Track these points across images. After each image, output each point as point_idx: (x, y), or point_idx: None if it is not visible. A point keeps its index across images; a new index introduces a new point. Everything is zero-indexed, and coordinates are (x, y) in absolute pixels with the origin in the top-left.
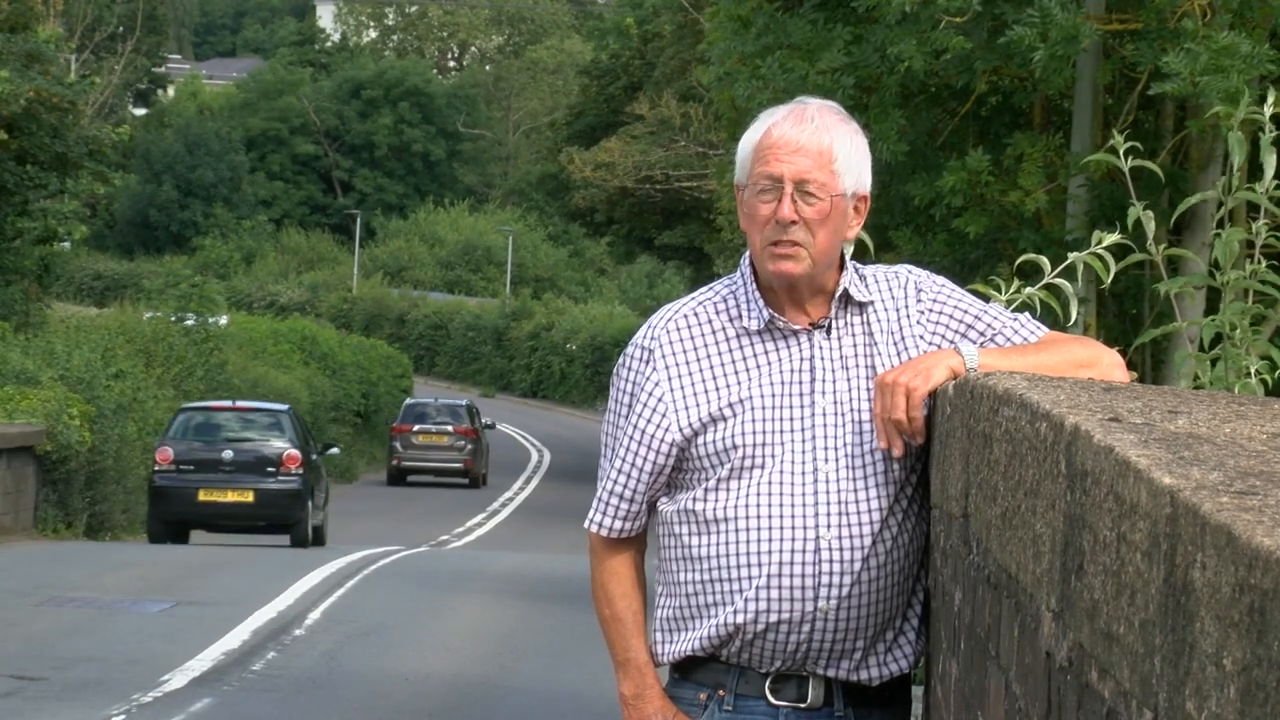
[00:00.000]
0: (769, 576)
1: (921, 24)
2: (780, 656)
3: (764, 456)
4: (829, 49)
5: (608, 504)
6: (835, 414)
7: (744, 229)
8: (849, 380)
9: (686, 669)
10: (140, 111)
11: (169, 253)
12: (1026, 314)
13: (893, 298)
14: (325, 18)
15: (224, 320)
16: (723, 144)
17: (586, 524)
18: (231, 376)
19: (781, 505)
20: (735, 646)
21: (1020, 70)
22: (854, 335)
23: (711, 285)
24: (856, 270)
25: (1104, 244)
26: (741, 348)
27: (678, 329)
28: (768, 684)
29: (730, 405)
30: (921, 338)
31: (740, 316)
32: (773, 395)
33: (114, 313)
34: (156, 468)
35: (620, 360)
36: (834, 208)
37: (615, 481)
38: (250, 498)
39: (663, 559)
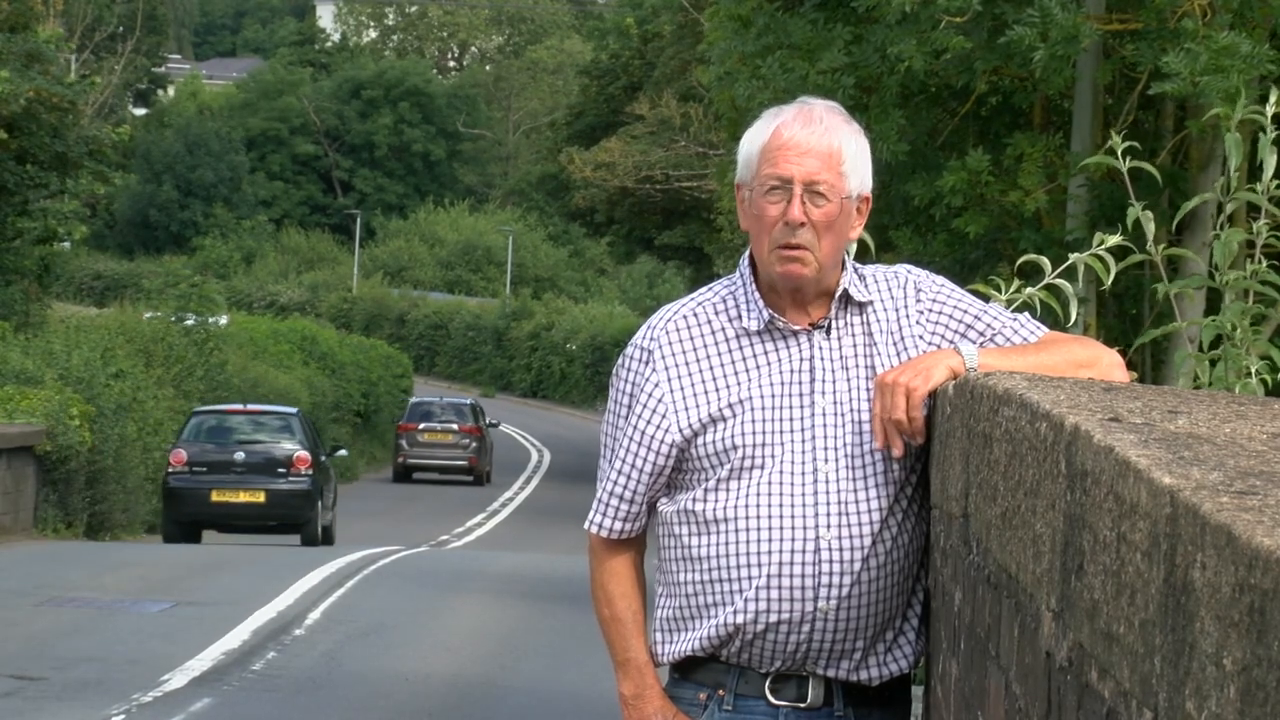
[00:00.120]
0: (769, 577)
1: (921, 24)
2: (780, 656)
3: (764, 457)
4: (829, 49)
5: (607, 505)
6: (835, 414)
7: (746, 228)
8: (849, 380)
9: (686, 669)
10: (140, 111)
11: (169, 253)
12: (1026, 314)
13: (892, 298)
14: (325, 18)
15: (224, 320)
16: (723, 144)
17: (586, 525)
18: (231, 376)
19: (781, 505)
20: (735, 646)
21: (1020, 70)
22: (854, 335)
23: (711, 285)
24: (856, 270)
25: (1105, 245)
26: (741, 348)
27: (677, 329)
28: (768, 684)
29: (730, 406)
30: (921, 338)
31: (740, 317)
32: (773, 396)
33: (114, 313)
34: (170, 469)
35: (620, 361)
36: (841, 210)
37: (615, 482)
38: (262, 498)
39: (663, 559)
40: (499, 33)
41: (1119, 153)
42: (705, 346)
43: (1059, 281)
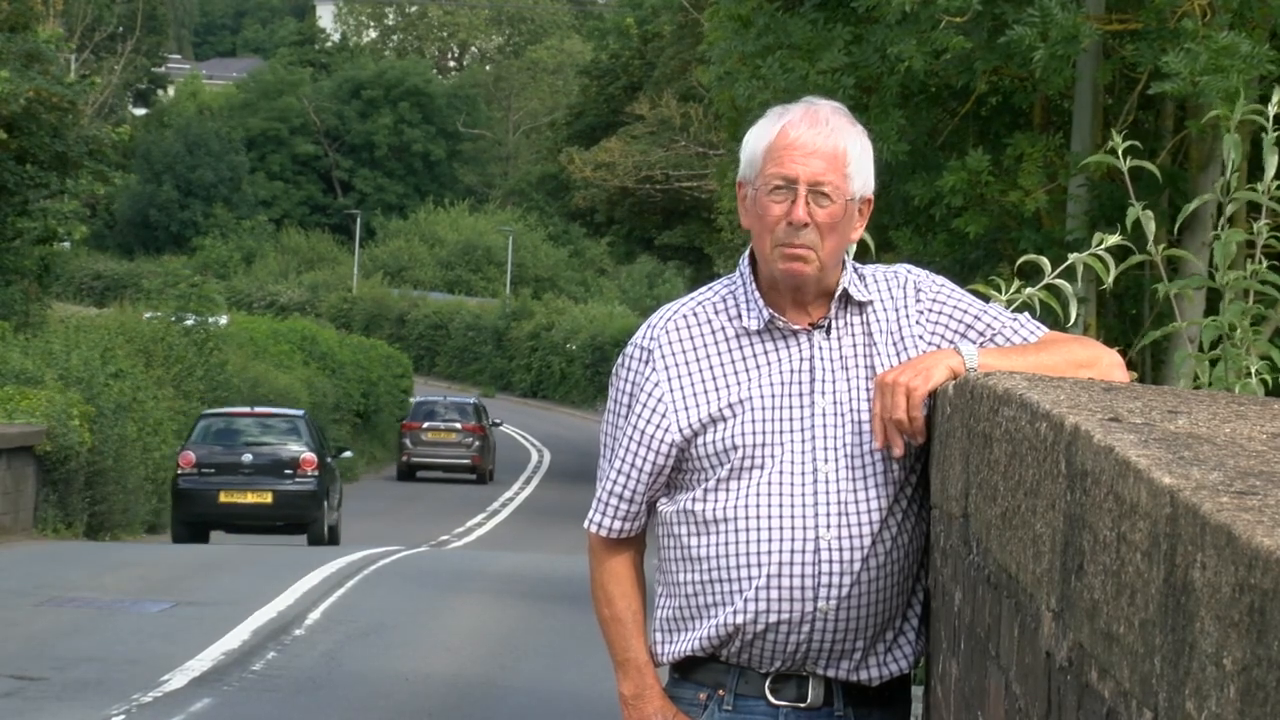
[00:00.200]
0: (769, 577)
1: (921, 24)
2: (780, 656)
3: (764, 457)
4: (829, 49)
5: (607, 504)
6: (835, 414)
7: (748, 227)
8: (849, 380)
9: (686, 669)
10: (140, 111)
11: (169, 253)
12: (1026, 314)
13: (891, 297)
14: (325, 18)
15: (224, 320)
16: (723, 144)
17: (586, 524)
18: (231, 376)
19: (781, 506)
20: (735, 647)
21: (1020, 70)
22: (853, 335)
23: (710, 285)
24: (856, 270)
25: (1105, 245)
26: (741, 348)
27: (677, 329)
28: (767, 684)
29: (730, 406)
30: (921, 337)
31: (740, 316)
32: (773, 395)
33: (114, 313)
34: (180, 471)
35: (619, 360)
36: (845, 211)
37: (615, 482)
38: (269, 499)
39: (662, 559)
40: (499, 33)
41: (1120, 152)
42: (705, 346)
43: (1059, 281)
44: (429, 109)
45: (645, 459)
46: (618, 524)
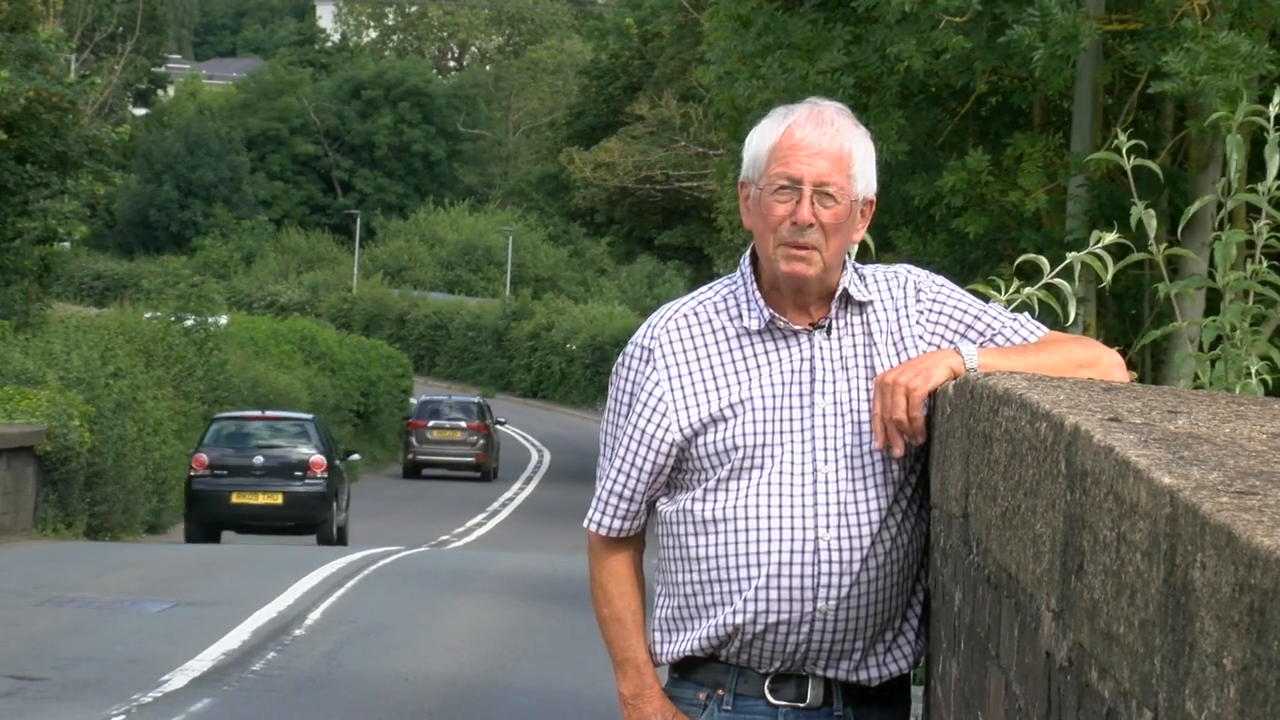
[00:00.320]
0: (768, 577)
1: (921, 24)
2: (779, 657)
3: (764, 457)
4: (829, 49)
5: (607, 503)
6: (835, 414)
7: (750, 226)
8: (849, 380)
9: (686, 669)
10: (140, 111)
11: (169, 253)
12: (1026, 314)
13: (891, 297)
14: (325, 18)
15: (224, 320)
16: (723, 144)
17: (586, 523)
18: (231, 376)
19: (781, 506)
20: (734, 647)
21: (1020, 70)
22: (853, 335)
23: (711, 285)
24: (856, 270)
25: (1102, 243)
26: (741, 348)
27: (677, 328)
28: (767, 684)
29: (730, 405)
30: (921, 338)
31: (740, 316)
32: (773, 396)
33: (114, 313)
34: (193, 473)
35: (619, 359)
36: (849, 212)
37: (615, 481)
38: (279, 500)
39: (662, 559)
40: (499, 33)
41: (1123, 150)
42: (705, 346)
43: (1058, 281)
44: (429, 109)
45: (645, 458)
46: (617, 523)
